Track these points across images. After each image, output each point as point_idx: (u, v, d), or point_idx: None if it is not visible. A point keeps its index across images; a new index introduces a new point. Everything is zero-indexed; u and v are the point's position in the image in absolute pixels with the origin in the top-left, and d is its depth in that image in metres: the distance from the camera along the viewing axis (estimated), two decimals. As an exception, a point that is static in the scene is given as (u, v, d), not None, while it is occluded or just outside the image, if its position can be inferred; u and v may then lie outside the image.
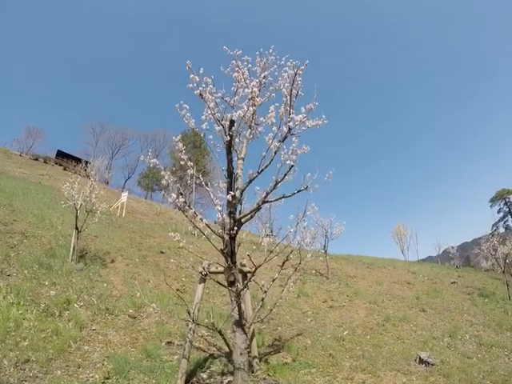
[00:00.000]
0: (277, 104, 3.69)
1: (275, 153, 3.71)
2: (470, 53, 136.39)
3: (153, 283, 8.16)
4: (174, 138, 3.81)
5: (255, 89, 3.52)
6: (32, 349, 4.37)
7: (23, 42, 78.24)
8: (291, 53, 3.69)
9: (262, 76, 3.81)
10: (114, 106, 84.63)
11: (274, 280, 4.50)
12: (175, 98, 3.52)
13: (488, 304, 10.12)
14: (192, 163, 3.85)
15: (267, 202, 3.85)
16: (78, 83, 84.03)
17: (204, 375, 4.88)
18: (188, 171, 3.88)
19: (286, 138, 3.69)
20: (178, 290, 8.04)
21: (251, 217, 3.91)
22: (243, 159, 4.11)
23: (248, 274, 5.21)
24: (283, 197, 3.87)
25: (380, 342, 6.90)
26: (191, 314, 4.27)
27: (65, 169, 32.10)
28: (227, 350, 4.56)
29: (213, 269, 5.02)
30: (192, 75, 3.37)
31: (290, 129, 3.61)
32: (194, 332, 4.81)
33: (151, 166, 3.68)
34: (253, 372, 5.05)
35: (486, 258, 20.16)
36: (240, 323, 3.76)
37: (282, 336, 6.85)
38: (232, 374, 3.96)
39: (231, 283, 3.75)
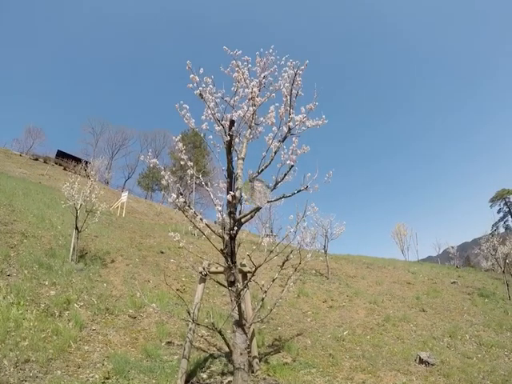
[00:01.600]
0: (277, 104, 3.70)
1: (275, 153, 3.72)
2: (470, 53, 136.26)
3: (153, 283, 8.16)
4: (173, 137, 3.82)
5: (255, 89, 3.53)
6: (32, 349, 4.37)
7: (23, 42, 78.26)
8: (291, 53, 3.70)
9: (262, 76, 3.81)
10: (114, 106, 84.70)
11: (274, 280, 4.49)
12: (175, 97, 3.53)
13: (488, 304, 10.11)
14: (192, 163, 3.86)
15: (267, 201, 3.85)
16: (78, 83, 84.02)
17: (204, 375, 4.88)
18: (188, 171, 3.89)
19: (285, 138, 3.70)
20: (177, 289, 8.04)
21: (251, 217, 3.91)
22: (243, 159, 4.11)
23: (248, 274, 5.20)
24: (283, 197, 3.88)
25: (380, 342, 6.90)
26: (191, 314, 4.27)
27: (65, 169, 32.09)
28: (227, 349, 4.55)
29: (213, 269, 5.02)
30: (192, 75, 3.37)
31: (290, 129, 3.62)
32: (194, 332, 4.81)
33: (151, 165, 3.68)
34: (253, 372, 5.05)
35: (486, 257, 20.12)
36: (240, 323, 3.76)
37: (282, 336, 6.85)
38: (232, 373, 3.96)
39: (231, 283, 3.75)
